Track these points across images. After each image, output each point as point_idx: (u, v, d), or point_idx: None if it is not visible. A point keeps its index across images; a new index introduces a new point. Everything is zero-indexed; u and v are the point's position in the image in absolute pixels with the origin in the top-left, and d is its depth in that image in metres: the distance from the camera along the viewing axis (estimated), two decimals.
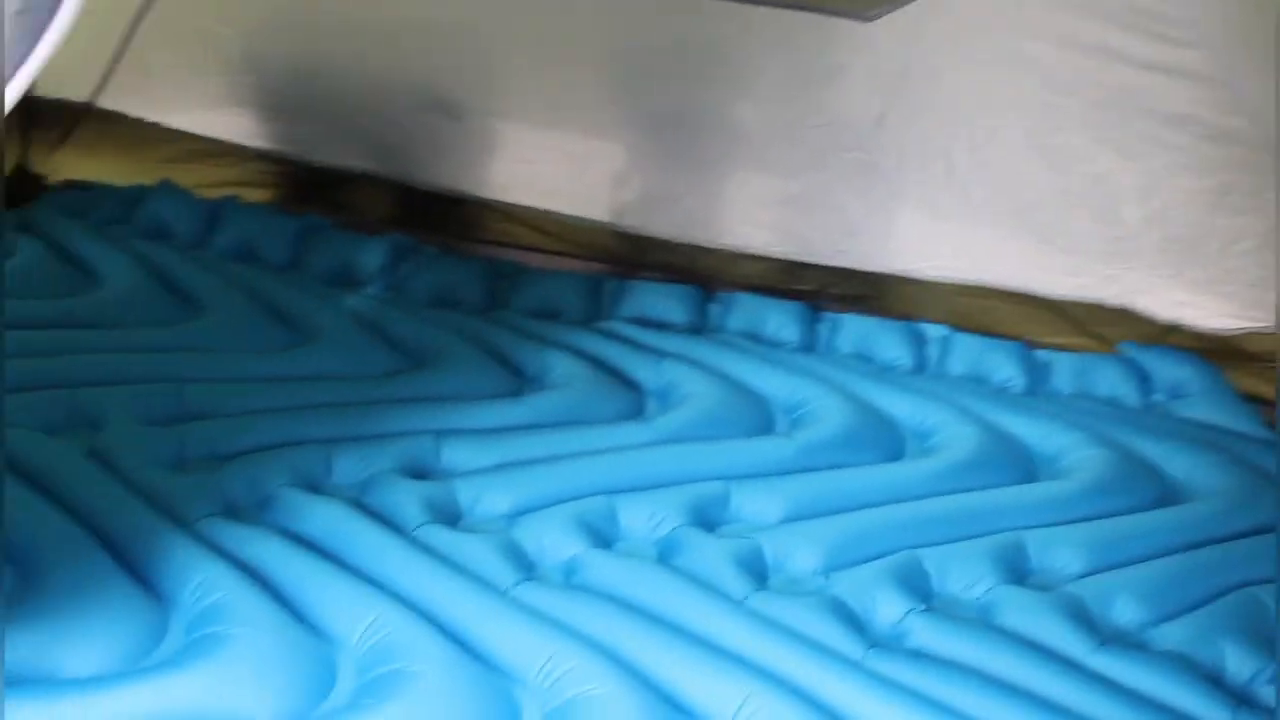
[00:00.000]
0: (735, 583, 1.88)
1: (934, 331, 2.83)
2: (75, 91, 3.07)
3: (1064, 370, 2.75)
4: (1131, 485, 2.33)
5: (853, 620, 1.84)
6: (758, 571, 1.95)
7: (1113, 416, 2.58)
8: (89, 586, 1.67)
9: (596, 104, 2.90)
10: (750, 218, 2.90)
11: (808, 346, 2.77)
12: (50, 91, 3.05)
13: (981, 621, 1.91)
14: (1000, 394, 2.64)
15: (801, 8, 2.57)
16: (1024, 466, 2.38)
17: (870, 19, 2.55)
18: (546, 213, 3.03)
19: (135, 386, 2.23)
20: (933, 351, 2.78)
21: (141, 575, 1.73)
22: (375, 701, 1.54)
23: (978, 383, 2.69)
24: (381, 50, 2.91)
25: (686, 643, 1.71)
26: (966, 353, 2.76)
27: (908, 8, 2.50)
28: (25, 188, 3.10)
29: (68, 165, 3.12)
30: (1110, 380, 2.72)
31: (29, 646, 1.56)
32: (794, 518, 2.11)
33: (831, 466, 2.28)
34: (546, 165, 2.98)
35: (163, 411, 2.18)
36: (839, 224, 2.83)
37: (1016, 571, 2.05)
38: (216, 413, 2.22)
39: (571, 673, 1.61)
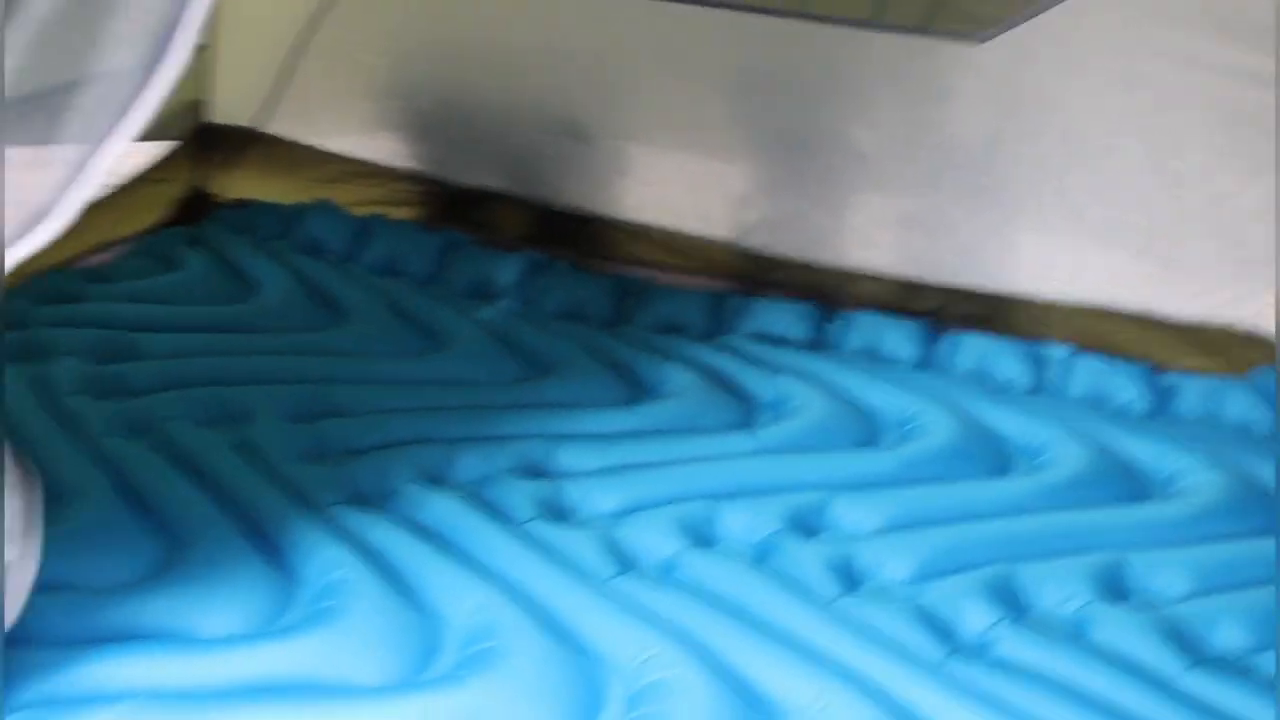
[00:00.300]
0: (824, 586, 1.94)
1: (1056, 353, 2.82)
2: (244, 118, 3.34)
3: (1191, 394, 2.71)
4: (1250, 510, 2.29)
5: (937, 627, 1.87)
6: (849, 577, 2.00)
7: (1238, 441, 2.53)
8: (226, 560, 1.85)
9: (719, 127, 3.01)
10: (869, 237, 2.96)
11: (925, 365, 2.80)
12: (222, 118, 3.33)
13: (1072, 636, 1.92)
14: (1120, 415, 2.62)
15: (913, 32, 2.62)
16: (1135, 487, 2.37)
17: (980, 41, 2.59)
18: (673, 232, 3.14)
19: (282, 386, 2.43)
20: (1053, 373, 2.78)
21: (273, 553, 1.90)
22: (470, 674, 1.66)
23: (1098, 404, 2.68)
24: (517, 78, 3.09)
25: (769, 638, 1.78)
26: (1088, 374, 2.75)
27: (1018, 30, 2.53)
28: (200, 206, 3.38)
29: (236, 185, 3.39)
30: (1240, 405, 2.66)
31: (170, 609, 1.73)
32: (890, 528, 2.15)
33: (934, 480, 2.31)
34: (672, 186, 3.09)
35: (305, 409, 2.37)
36: (956, 244, 2.86)
37: (1115, 590, 2.04)
38: (353, 411, 2.39)
39: (656, 658, 1.69)
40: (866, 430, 2.50)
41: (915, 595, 1.97)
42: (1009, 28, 2.57)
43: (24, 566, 1.46)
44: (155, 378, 2.40)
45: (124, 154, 3.63)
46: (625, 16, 2.96)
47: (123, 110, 1.26)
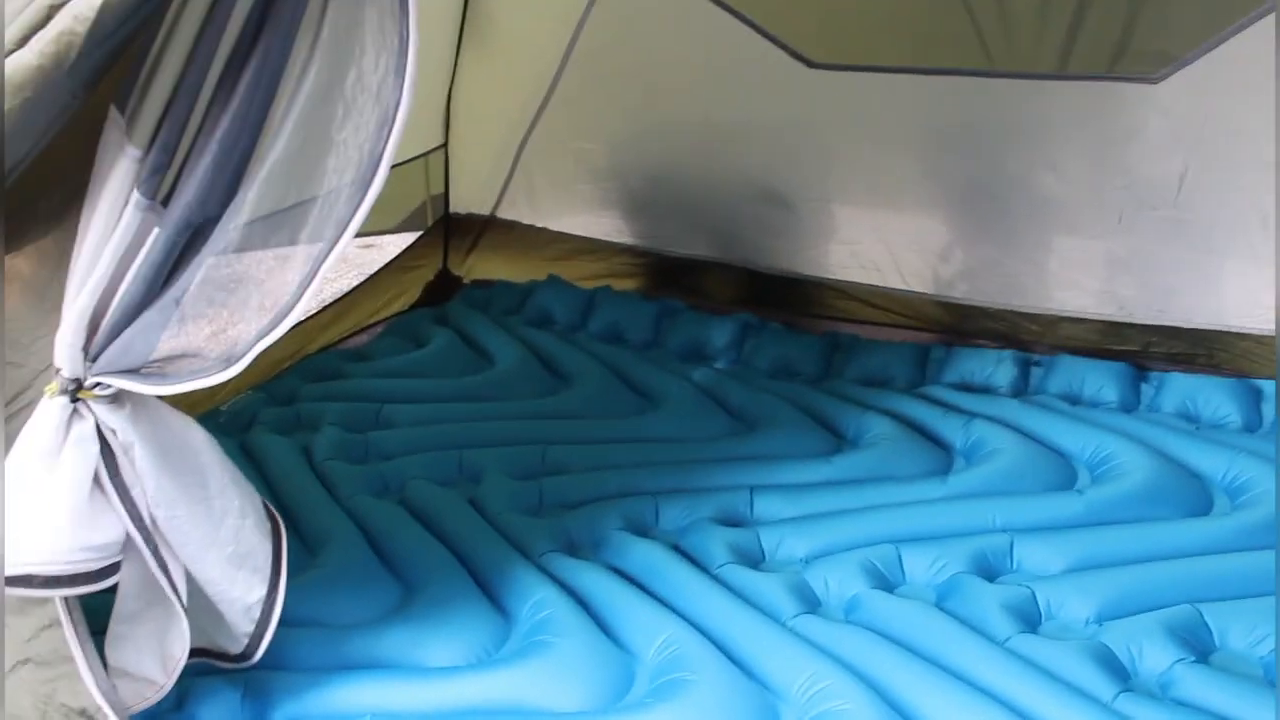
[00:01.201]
0: (1001, 626, 2.00)
1: (1272, 388, 2.75)
2: (481, 207, 3.70)
3: None
4: None
5: (1114, 666, 1.90)
6: (1029, 617, 2.06)
7: None
8: (454, 599, 2.11)
9: (913, 184, 3.12)
10: (1067, 281, 2.98)
11: (1129, 406, 2.80)
12: (462, 207, 3.71)
13: (1259, 679, 1.90)
14: None
15: (1090, 77, 2.66)
16: None
17: (1157, 80, 2.60)
18: (875, 288, 3.26)
19: (509, 448, 2.71)
20: (1270, 408, 2.71)
21: (493, 594, 2.15)
22: (659, 701, 1.84)
23: None
24: (720, 155, 3.31)
25: (938, 673, 1.87)
26: None
27: (1194, 65, 2.53)
28: (447, 287, 3.76)
29: (478, 267, 3.75)
30: None
31: (403, 643, 2.00)
32: (1075, 569, 2.18)
33: (1126, 521, 2.32)
34: (872, 244, 3.22)
35: (528, 468, 2.63)
36: (1157, 282, 2.85)
37: None
38: (571, 468, 2.64)
39: (826, 690, 1.82)
40: (1061, 473, 2.53)
41: (1095, 635, 2.01)
42: (1184, 65, 2.57)
43: (272, 601, 1.76)
44: (400, 443, 2.73)
45: (382, 246, 4.07)
46: (818, 87, 3.13)
47: (342, 222, 1.54)
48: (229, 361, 1.56)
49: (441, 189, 3.69)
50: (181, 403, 3.14)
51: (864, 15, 2.99)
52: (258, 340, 1.54)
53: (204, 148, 1.51)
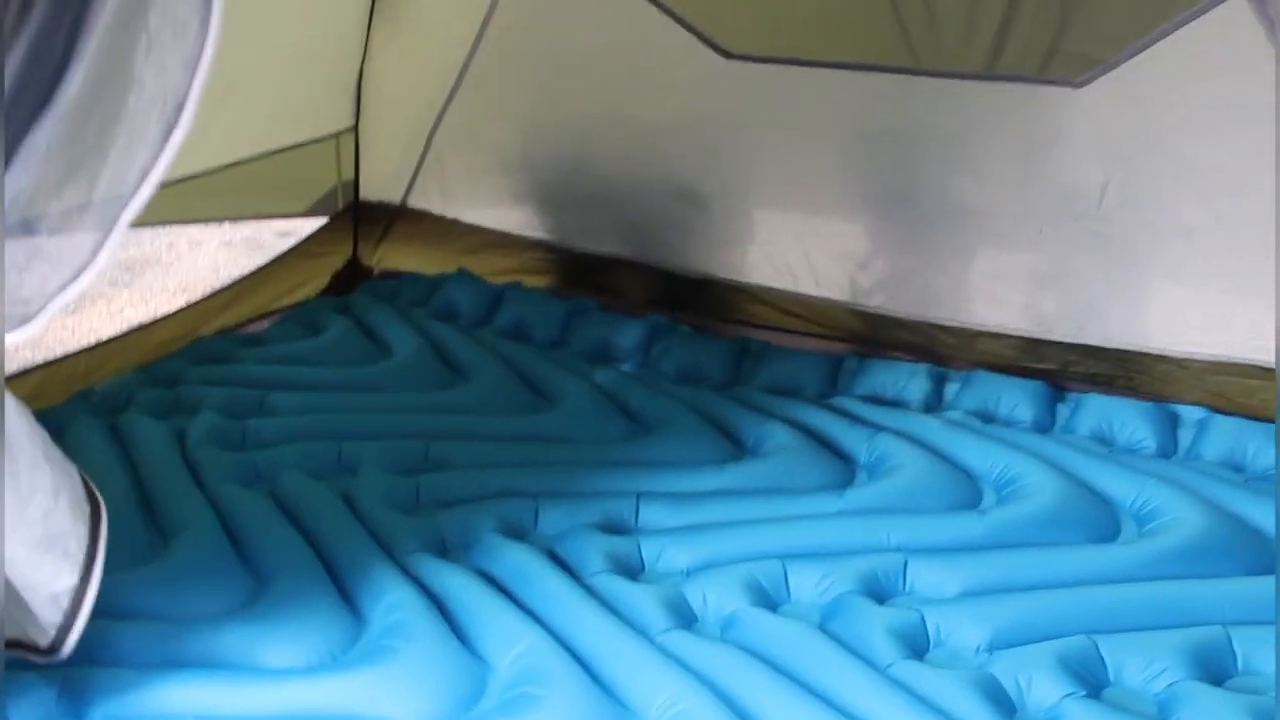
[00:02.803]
0: (886, 650, 1.88)
1: (1190, 414, 2.67)
2: (392, 195, 3.55)
3: None
4: None
5: (999, 698, 1.79)
6: (916, 643, 1.93)
7: None
8: (305, 597, 1.96)
9: (832, 185, 3.00)
10: (986, 293, 2.87)
11: (1043, 426, 2.69)
12: (374, 196, 3.55)
13: (1154, 717, 1.79)
14: (1260, 482, 2.44)
15: (1013, 79, 2.56)
16: (1259, 559, 2.19)
17: (1080, 85, 2.50)
18: (790, 293, 3.13)
19: (393, 441, 2.56)
20: (1186, 435, 2.62)
21: (349, 594, 2.00)
22: (504, 718, 1.70)
23: (1235, 470, 2.51)
24: (636, 150, 3.17)
25: (809, 699, 1.74)
26: (1224, 436, 2.58)
27: (1121, 70, 2.43)
28: (356, 276, 3.60)
29: (387, 257, 3.60)
30: None
31: (242, 642, 1.85)
32: (971, 594, 2.07)
33: (1028, 545, 2.21)
34: (788, 247, 3.09)
35: (409, 462, 2.48)
36: (1078, 298, 2.74)
37: (1214, 669, 1.89)
38: (453, 465, 2.49)
39: (685, 711, 1.69)
40: (965, 493, 2.41)
41: (984, 664, 1.89)
42: (1108, 69, 2.47)
43: (84, 591, 1.60)
44: (280, 432, 2.58)
45: (300, 234, 3.85)
46: (735, 79, 3.01)
47: (145, 169, 1.38)
48: (24, 319, 1.41)
49: (351, 175, 3.54)
50: (53, 380, 2.94)
51: (784, 5, 2.87)
52: (56, 295, 1.40)
53: None
